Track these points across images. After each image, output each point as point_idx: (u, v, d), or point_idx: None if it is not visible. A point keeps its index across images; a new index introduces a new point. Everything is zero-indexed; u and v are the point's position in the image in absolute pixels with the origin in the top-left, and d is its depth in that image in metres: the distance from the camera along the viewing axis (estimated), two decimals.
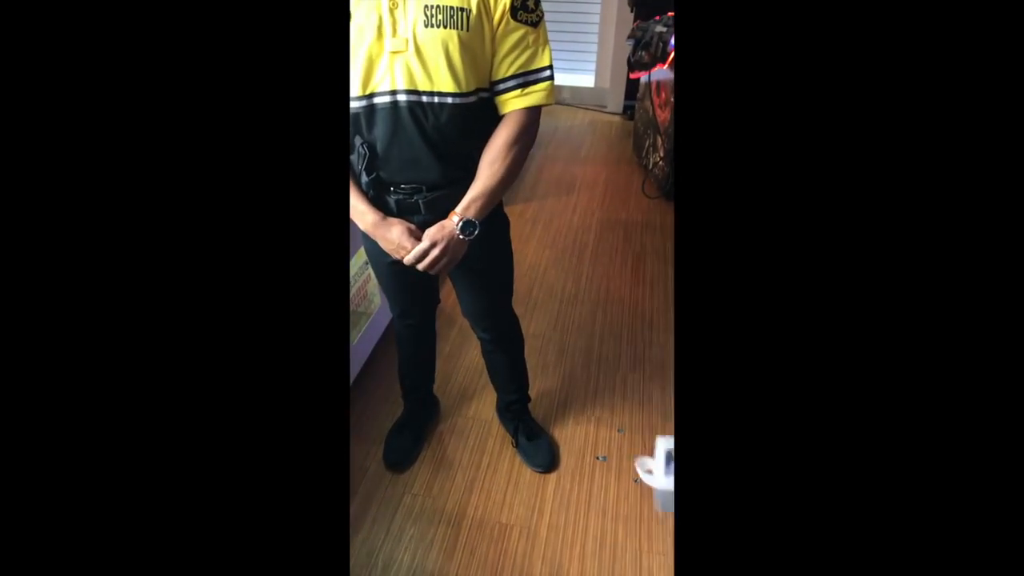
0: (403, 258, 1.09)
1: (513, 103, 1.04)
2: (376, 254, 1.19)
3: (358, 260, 1.68)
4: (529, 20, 1.00)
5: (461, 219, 1.05)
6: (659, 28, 2.75)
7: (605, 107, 3.91)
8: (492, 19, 0.98)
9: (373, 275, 1.74)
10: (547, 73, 1.04)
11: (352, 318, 1.71)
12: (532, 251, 2.44)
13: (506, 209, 1.26)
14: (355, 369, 1.74)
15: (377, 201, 1.10)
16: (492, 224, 1.13)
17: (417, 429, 1.62)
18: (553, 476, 1.54)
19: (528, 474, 1.55)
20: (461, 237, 1.06)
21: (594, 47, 3.80)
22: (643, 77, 2.96)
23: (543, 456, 1.55)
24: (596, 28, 3.74)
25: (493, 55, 1.01)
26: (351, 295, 1.67)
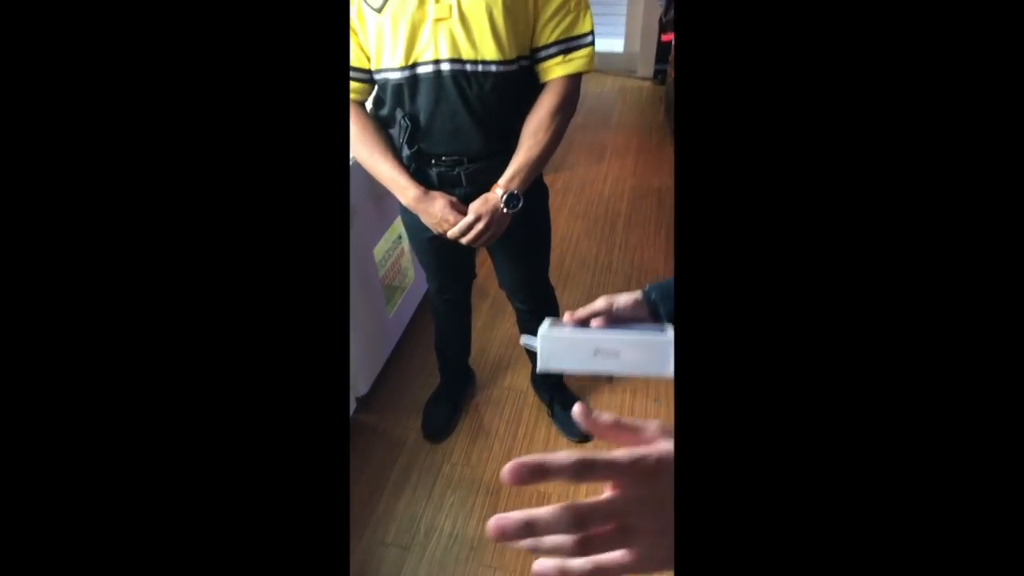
0: (446, 232, 1.09)
1: (556, 70, 1.02)
2: (416, 229, 1.20)
3: (392, 235, 1.69)
4: None
5: (505, 192, 1.04)
6: None
7: (635, 72, 3.80)
8: None
9: (407, 250, 1.76)
10: (589, 39, 1.02)
11: (387, 292, 1.73)
12: (564, 221, 2.41)
13: None
14: (391, 343, 1.77)
15: (418, 174, 1.09)
16: (531, 195, 1.12)
17: (454, 400, 1.65)
18: (589, 445, 1.55)
19: (564, 443, 1.56)
20: (505, 210, 1.05)
21: (623, 10, 3.68)
22: (675, 39, 2.87)
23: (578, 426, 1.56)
24: None
25: (535, 21, 0.99)
26: (384, 271, 1.69)
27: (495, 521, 0.31)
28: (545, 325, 0.54)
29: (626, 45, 3.80)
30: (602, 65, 3.90)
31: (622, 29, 3.77)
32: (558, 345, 0.53)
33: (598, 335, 0.53)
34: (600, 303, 0.55)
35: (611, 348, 0.52)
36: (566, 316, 0.55)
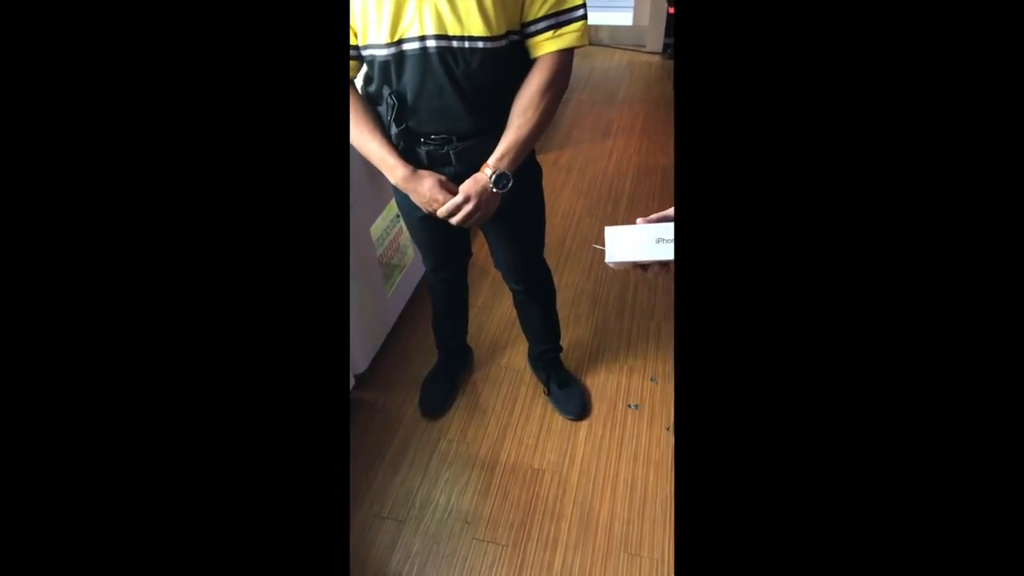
0: (436, 211, 1.08)
1: (546, 46, 1.00)
2: (408, 208, 1.19)
3: (389, 213, 1.69)
4: None
5: (495, 171, 1.03)
6: None
7: (644, 46, 3.73)
8: None
9: (405, 228, 1.76)
10: (580, 12, 0.99)
11: (386, 271, 1.74)
12: (566, 200, 2.40)
13: (538, 157, 1.23)
14: (390, 320, 1.78)
15: (407, 153, 1.08)
16: (524, 174, 1.11)
17: (451, 378, 1.66)
18: (585, 423, 1.57)
19: (560, 421, 1.57)
20: (495, 190, 1.04)
21: None
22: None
23: (575, 404, 1.57)
24: None
25: None
26: (383, 250, 1.70)
27: None
28: (611, 227, 0.65)
29: (635, 18, 3.72)
30: (610, 39, 3.82)
31: (631, 2, 3.68)
32: (623, 237, 0.64)
33: (659, 227, 0.63)
34: (669, 211, 0.65)
35: (670, 236, 0.62)
36: (638, 220, 0.65)
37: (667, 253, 0.63)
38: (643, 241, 0.63)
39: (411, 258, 1.84)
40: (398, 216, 1.74)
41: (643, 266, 0.66)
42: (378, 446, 1.54)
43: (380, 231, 1.67)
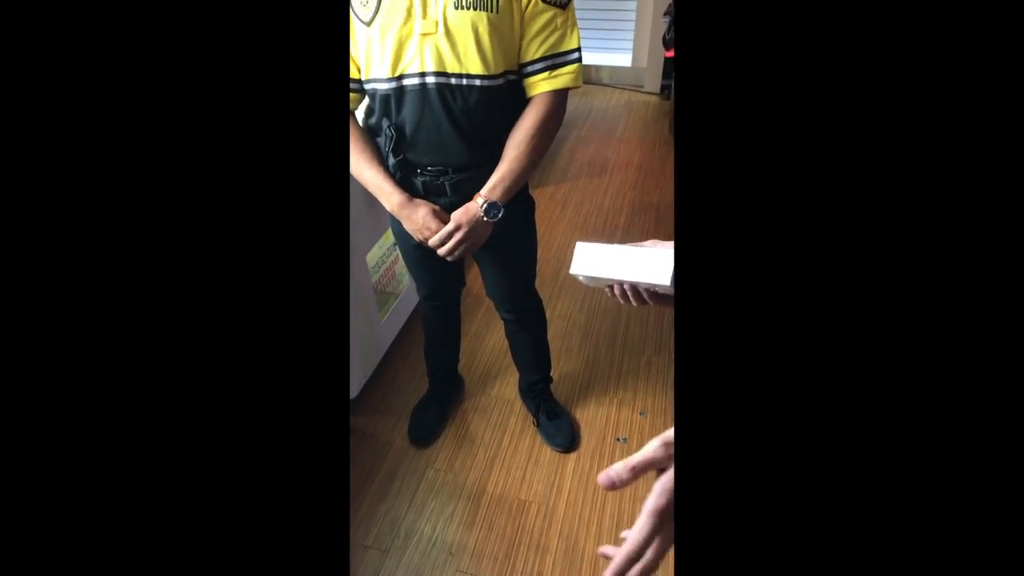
0: (427, 239, 1.11)
1: (541, 85, 1.05)
2: (403, 236, 1.22)
3: (385, 241, 1.72)
4: (558, 2, 1.00)
5: (486, 201, 1.06)
6: None
7: (642, 87, 3.83)
8: (521, 1, 0.98)
9: (400, 256, 1.79)
10: (575, 55, 1.04)
11: (380, 298, 1.75)
12: (561, 233, 2.44)
13: (535, 191, 1.27)
14: (383, 347, 1.79)
15: (404, 183, 1.12)
16: (517, 206, 1.15)
17: (441, 406, 1.67)
18: (573, 456, 1.56)
19: (548, 453, 1.57)
20: (485, 219, 1.07)
21: (631, 25, 3.72)
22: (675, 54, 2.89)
23: (563, 436, 1.58)
24: (634, 5, 3.65)
25: (521, 37, 1.01)
26: (378, 277, 1.72)
27: (603, 476, 0.41)
28: (582, 243, 0.71)
29: (634, 60, 3.84)
30: (610, 79, 3.93)
31: (630, 44, 3.80)
32: (591, 252, 0.69)
33: (619, 248, 0.68)
34: (645, 242, 0.70)
35: (626, 257, 0.67)
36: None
37: (630, 275, 0.66)
38: (609, 260, 0.68)
39: (406, 286, 1.86)
40: (394, 244, 1.76)
41: (609, 285, 0.70)
42: (365, 473, 1.53)
43: (376, 259, 1.70)
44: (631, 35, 3.75)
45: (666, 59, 3.56)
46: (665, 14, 2.92)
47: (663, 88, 3.71)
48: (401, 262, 1.81)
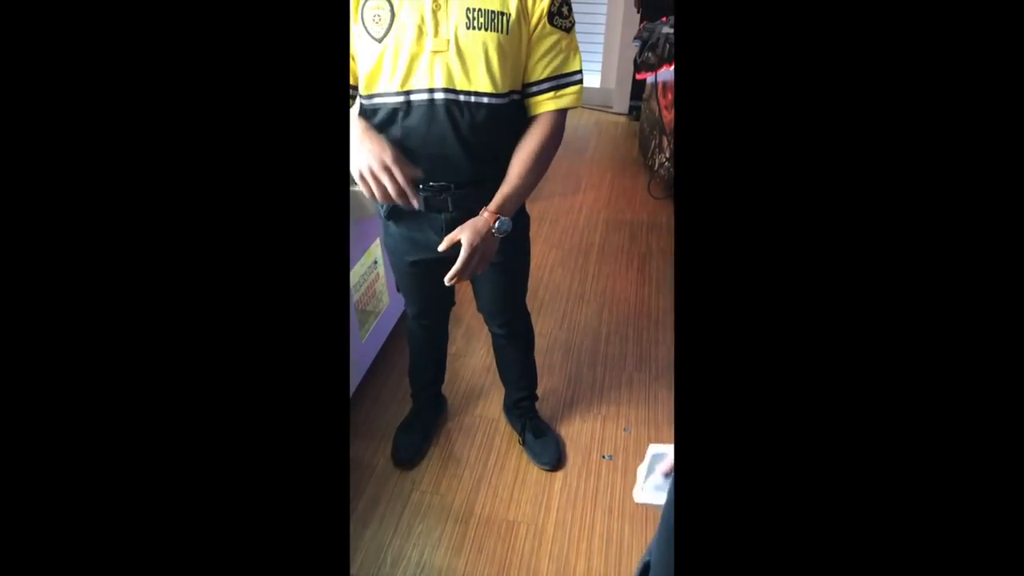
0: (406, 205, 1.03)
1: (546, 104, 1.07)
2: (398, 252, 1.20)
3: (367, 259, 1.70)
4: (563, 26, 1.04)
5: (497, 216, 1.06)
6: (665, 29, 2.76)
7: (611, 107, 3.91)
8: (529, 23, 1.01)
9: (382, 275, 1.76)
10: (577, 77, 1.08)
11: (361, 317, 1.72)
12: (538, 250, 2.45)
13: None
14: (364, 367, 1.76)
15: None
16: (516, 221, 1.15)
17: (425, 427, 1.64)
18: (560, 474, 1.55)
19: (535, 472, 1.56)
20: (496, 234, 1.07)
21: (600, 47, 3.80)
22: (649, 78, 2.97)
23: (550, 454, 1.57)
24: (602, 28, 3.74)
25: (527, 58, 1.04)
26: (359, 295, 1.69)
27: None
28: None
29: (602, 81, 3.92)
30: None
31: (599, 66, 3.88)
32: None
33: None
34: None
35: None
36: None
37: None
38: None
39: (386, 304, 1.83)
40: (376, 263, 1.74)
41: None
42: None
43: (357, 276, 1.67)
44: (599, 57, 3.84)
45: (634, 82, 3.66)
46: (635, 39, 3.00)
47: (631, 109, 3.80)
48: (382, 280, 1.78)
